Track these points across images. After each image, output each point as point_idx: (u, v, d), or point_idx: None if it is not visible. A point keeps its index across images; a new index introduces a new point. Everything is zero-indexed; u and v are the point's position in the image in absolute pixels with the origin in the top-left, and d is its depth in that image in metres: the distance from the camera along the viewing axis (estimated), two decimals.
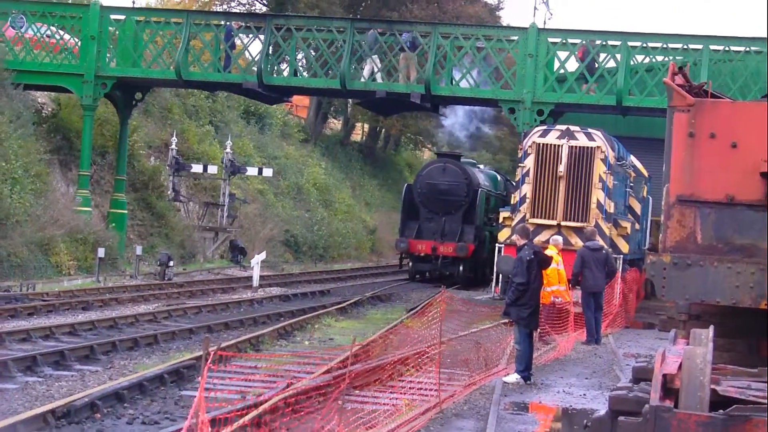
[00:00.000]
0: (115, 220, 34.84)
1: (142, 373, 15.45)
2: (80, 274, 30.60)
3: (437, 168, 38.93)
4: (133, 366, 17.13)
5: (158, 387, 15.06)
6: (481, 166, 44.54)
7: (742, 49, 30.79)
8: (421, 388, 13.96)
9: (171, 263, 32.28)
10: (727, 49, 30.95)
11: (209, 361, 12.42)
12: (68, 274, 30.08)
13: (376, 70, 32.96)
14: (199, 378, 12.31)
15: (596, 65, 31.45)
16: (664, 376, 8.90)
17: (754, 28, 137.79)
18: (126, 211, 35.69)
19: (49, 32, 34.58)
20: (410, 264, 39.13)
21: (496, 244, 27.63)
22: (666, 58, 31.08)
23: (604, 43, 31.56)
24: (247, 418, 11.31)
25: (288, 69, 35.12)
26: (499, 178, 44.16)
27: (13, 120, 31.85)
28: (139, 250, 32.66)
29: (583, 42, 31.55)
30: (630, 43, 31.47)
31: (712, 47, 30.79)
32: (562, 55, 32.47)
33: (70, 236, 31.24)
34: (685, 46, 31.31)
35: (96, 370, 16.64)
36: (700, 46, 30.91)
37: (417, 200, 38.48)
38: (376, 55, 32.87)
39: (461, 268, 37.51)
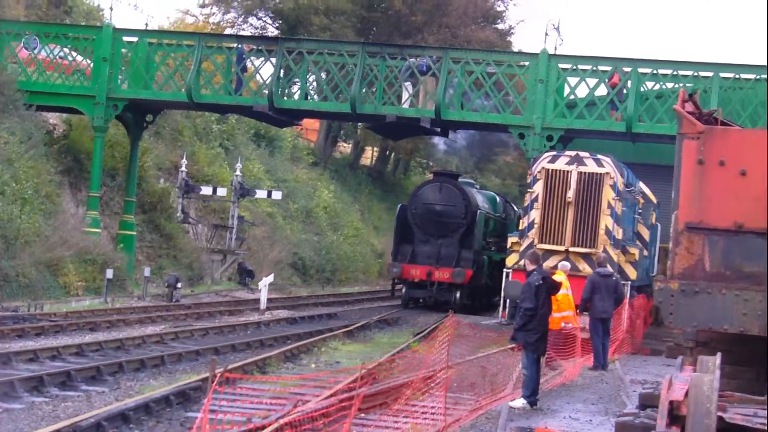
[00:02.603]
0: (123, 242, 34.91)
1: (149, 394, 15.45)
2: (88, 294, 30.63)
3: (433, 188, 36.71)
4: (139, 387, 17.13)
5: (164, 408, 15.06)
6: (478, 187, 42.53)
7: (752, 76, 30.80)
8: (427, 412, 13.92)
9: (179, 285, 32.32)
10: (737, 76, 30.98)
11: (215, 382, 12.43)
12: (76, 295, 30.12)
13: (407, 96, 32.90)
14: (206, 400, 12.29)
15: (624, 91, 31.43)
16: (671, 402, 8.88)
17: (764, 56, 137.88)
18: (135, 233, 35.76)
19: (62, 53, 34.75)
20: (403, 290, 36.49)
21: (504, 270, 27.54)
22: (676, 85, 31.10)
23: (628, 69, 31.48)
24: None
25: (299, 92, 35.22)
26: (498, 199, 42.02)
27: (25, 141, 32.00)
28: (147, 271, 32.71)
29: (615, 69, 31.52)
30: (640, 70, 31.51)
31: (722, 74, 30.82)
32: (572, 80, 32.50)
33: (79, 257, 31.30)
34: (696, 73, 31.35)
35: (102, 390, 16.65)
36: (710, 74, 30.94)
37: (411, 222, 36.28)
38: (409, 82, 32.84)
39: (458, 294, 35.17)
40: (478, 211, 36.49)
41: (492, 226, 38.49)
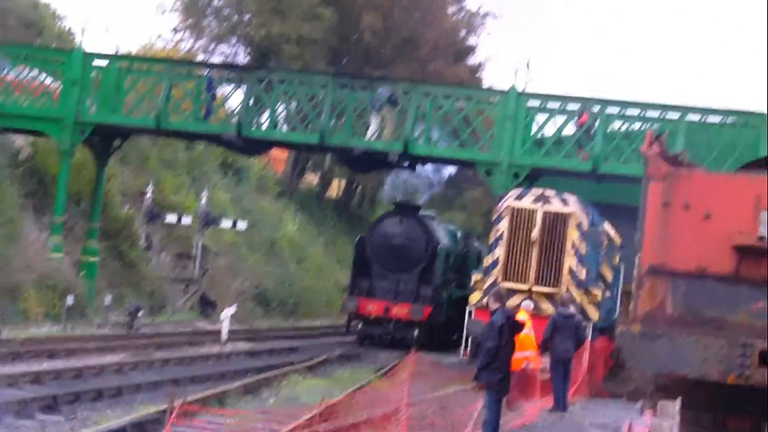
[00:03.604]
0: (86, 268, 34.56)
1: (106, 425, 15.28)
2: (47, 321, 30.26)
3: (393, 220, 35.57)
4: (96, 418, 16.91)
5: None
6: (436, 220, 40.87)
7: (718, 120, 31.05)
8: None
9: (140, 314, 32.02)
10: (703, 119, 31.21)
11: (174, 414, 12.27)
12: (35, 321, 29.74)
13: (376, 128, 32.80)
14: None
15: (592, 131, 31.54)
16: None
17: (730, 100, 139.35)
18: (97, 259, 35.41)
19: (31, 75, 34.50)
20: (359, 326, 34.95)
21: (467, 307, 27.42)
22: (643, 126, 31.25)
23: (597, 108, 31.61)
24: None
25: (268, 122, 35.14)
26: (459, 234, 40.80)
27: None
28: (108, 299, 32.40)
29: (584, 108, 31.67)
30: (608, 110, 31.66)
31: (689, 117, 31.03)
32: (541, 118, 32.60)
33: (40, 282, 30.96)
34: (663, 115, 31.53)
35: (58, 420, 16.43)
36: (677, 116, 31.14)
37: (370, 255, 35.15)
38: (380, 113, 32.72)
39: (416, 332, 33.89)
40: (439, 245, 35.64)
41: (453, 261, 37.50)
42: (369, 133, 32.94)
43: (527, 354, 19.65)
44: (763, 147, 29.96)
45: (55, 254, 33.01)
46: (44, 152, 36.84)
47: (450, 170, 45.76)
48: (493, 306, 15.96)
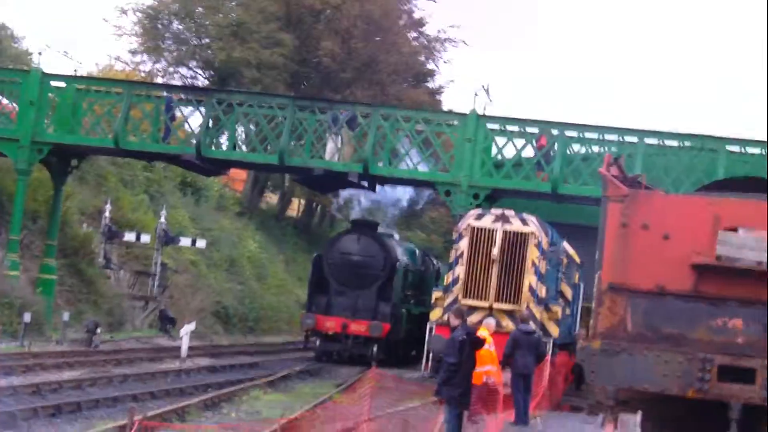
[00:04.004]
0: (43, 285, 34.34)
1: None
2: (4, 338, 29.99)
3: (351, 238, 35.58)
4: None
5: None
6: (397, 237, 41.34)
7: (676, 143, 31.45)
8: None
9: (98, 330, 31.85)
10: (661, 143, 31.61)
11: (134, 430, 12.29)
12: None
13: (334, 149, 32.90)
14: None
15: (551, 154, 31.83)
16: None
17: (687, 124, 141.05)
18: (55, 277, 35.20)
19: None
20: (317, 342, 34.95)
21: (428, 324, 27.55)
22: (602, 149, 31.59)
23: (556, 132, 31.92)
24: None
25: (227, 143, 35.13)
26: (417, 252, 40.87)
27: None
28: (66, 316, 32.20)
29: (542, 132, 31.97)
30: (567, 133, 31.97)
31: (647, 140, 31.41)
32: (500, 141, 32.84)
33: None
34: (621, 139, 31.89)
35: None
36: (635, 139, 31.51)
37: (327, 272, 35.08)
38: (339, 135, 32.82)
39: (375, 348, 33.86)
40: (398, 262, 35.57)
41: (411, 278, 37.45)
42: (327, 154, 33.03)
43: (488, 368, 19.79)
44: (720, 170, 30.46)
45: (11, 272, 32.80)
46: (1, 171, 36.62)
47: (410, 191, 45.85)
48: (454, 322, 16.14)
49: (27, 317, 29.92)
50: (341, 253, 35.22)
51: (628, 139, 31.79)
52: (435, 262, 42.68)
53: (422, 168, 33.13)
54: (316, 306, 34.69)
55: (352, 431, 15.12)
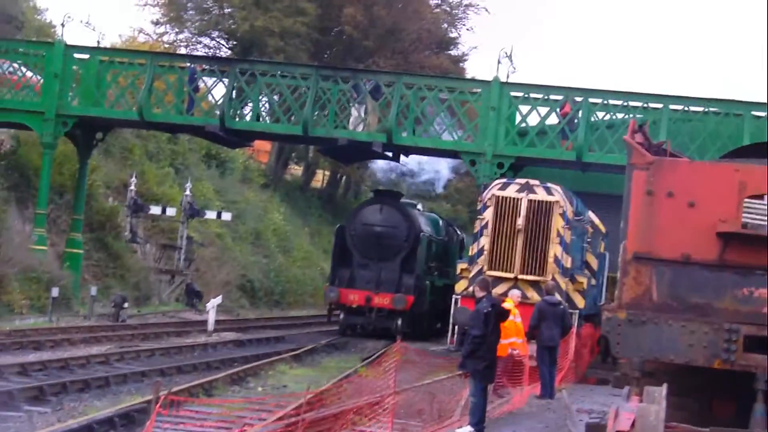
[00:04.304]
0: (70, 260, 34.52)
1: (92, 416, 15.28)
2: (33, 313, 30.24)
3: (374, 208, 34.68)
4: (83, 408, 16.92)
5: (108, 430, 14.91)
6: (421, 208, 40.29)
7: (701, 109, 31.20)
8: None
9: (125, 305, 32.02)
10: (686, 109, 31.37)
11: (159, 405, 12.31)
12: (20, 313, 29.72)
13: (357, 119, 32.79)
14: (148, 422, 12.16)
15: (576, 121, 31.66)
16: None
17: (712, 89, 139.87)
18: (82, 251, 35.38)
19: (11, 69, 34.40)
20: (341, 316, 34.43)
21: (453, 296, 27.49)
22: (626, 116, 31.37)
23: (580, 99, 31.71)
24: None
25: (251, 114, 35.10)
26: (441, 222, 39.99)
27: None
28: (93, 290, 32.38)
29: (566, 98, 31.78)
30: (591, 100, 31.78)
31: (671, 106, 31.17)
32: (524, 109, 32.70)
33: (24, 275, 30.93)
34: (645, 105, 31.68)
35: (45, 411, 16.43)
36: (660, 105, 31.29)
37: (350, 244, 34.30)
38: (364, 104, 32.71)
39: (399, 322, 33.30)
40: (421, 233, 34.86)
41: (435, 249, 36.86)
42: (351, 123, 32.97)
43: (512, 340, 19.76)
44: (746, 135, 30.16)
45: (39, 246, 32.96)
46: (27, 145, 36.79)
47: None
48: (479, 294, 16.05)
49: (55, 292, 30.10)
50: (363, 224, 34.45)
51: (653, 105, 31.57)
52: (459, 232, 42.33)
53: (446, 137, 33.04)
54: (339, 279, 34.16)
55: (377, 405, 15.11)
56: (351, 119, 33.06)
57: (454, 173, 50.16)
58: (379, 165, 46.28)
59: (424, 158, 41.58)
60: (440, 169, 45.54)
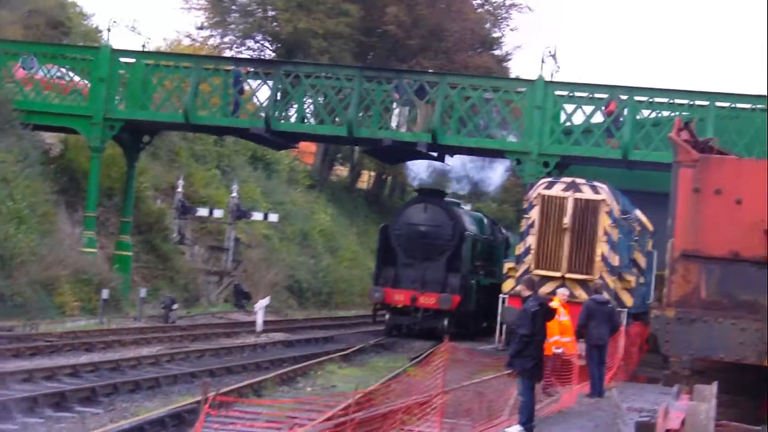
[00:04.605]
0: (119, 262, 34.87)
1: (143, 416, 15.44)
2: (84, 315, 30.57)
3: (418, 207, 34.42)
4: (134, 409, 17.10)
5: (159, 431, 15.05)
6: (467, 207, 40.39)
7: (748, 106, 30.94)
8: None
9: (175, 306, 32.28)
10: (733, 106, 31.12)
11: (207, 405, 12.43)
12: (72, 315, 30.07)
13: (401, 121, 32.80)
14: (197, 423, 12.28)
15: (621, 119, 31.54)
16: (667, 431, 8.89)
17: (760, 87, 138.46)
18: (131, 253, 35.72)
19: (59, 74, 34.81)
20: (386, 317, 34.16)
21: (500, 295, 27.46)
22: (672, 113, 31.20)
23: (625, 97, 31.57)
24: None
25: (296, 115, 35.27)
26: (485, 221, 39.64)
27: (21, 160, 32.05)
28: (143, 292, 32.67)
29: (611, 97, 31.67)
30: (636, 98, 31.64)
31: (718, 104, 30.95)
32: (569, 107, 32.61)
33: (75, 277, 31.28)
34: (692, 102, 31.49)
35: (97, 412, 16.62)
36: (706, 103, 31.11)
37: (394, 244, 34.04)
38: (406, 107, 32.75)
39: (445, 322, 32.96)
40: (466, 232, 34.50)
41: (480, 248, 36.47)
42: (393, 123, 33.01)
43: (555, 339, 19.69)
44: None
45: (89, 249, 33.31)
46: (75, 149, 37.19)
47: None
48: (525, 293, 16.05)
49: (105, 294, 30.42)
50: (408, 223, 34.20)
51: (699, 102, 31.37)
52: (503, 231, 42.12)
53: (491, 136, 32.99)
54: (383, 279, 33.89)
55: (426, 404, 15.14)
56: (392, 119, 33.09)
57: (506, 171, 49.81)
58: (419, 166, 45.94)
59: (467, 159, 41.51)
60: (491, 174, 45.26)
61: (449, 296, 32.87)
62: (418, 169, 46.17)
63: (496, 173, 45.69)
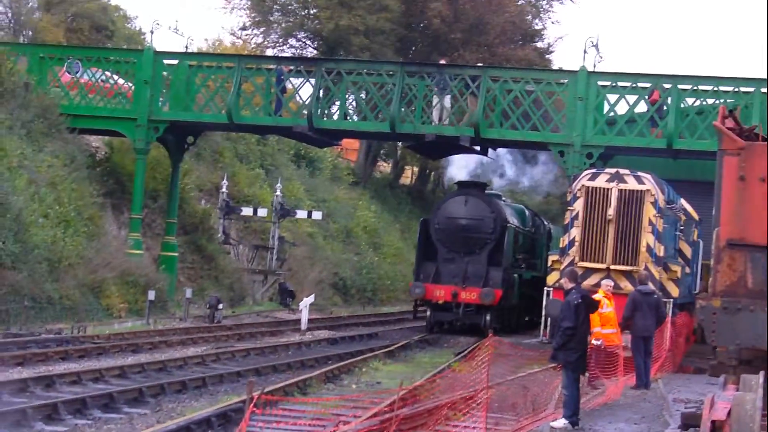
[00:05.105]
0: (165, 263, 35.10)
1: (190, 416, 15.50)
2: (131, 316, 30.82)
3: (458, 200, 33.50)
4: (181, 409, 17.18)
5: (206, 430, 15.11)
6: (505, 199, 39.28)
7: None
8: None
9: (220, 306, 32.43)
10: None
11: (253, 404, 12.47)
12: (119, 317, 30.32)
13: (444, 114, 32.68)
14: (242, 422, 12.31)
15: (665, 108, 31.29)
16: (713, 422, 8.79)
17: None
18: (176, 254, 35.93)
19: (103, 77, 35.07)
20: (428, 312, 33.45)
21: (545, 288, 27.32)
22: (717, 101, 30.88)
23: (669, 85, 31.28)
24: None
25: (338, 112, 35.30)
26: (527, 213, 38.75)
27: (68, 164, 32.37)
28: (189, 292, 32.85)
29: (655, 86, 31.41)
30: (680, 86, 31.34)
31: (763, 90, 30.56)
32: (612, 98, 32.38)
33: (122, 279, 31.54)
34: (736, 89, 31.13)
35: (144, 412, 16.72)
36: (751, 89, 30.72)
37: (435, 238, 33.29)
38: (447, 97, 32.63)
39: (488, 317, 32.25)
40: (507, 225, 33.66)
41: (521, 241, 35.85)
42: (434, 117, 32.89)
43: (596, 330, 19.54)
44: None
45: (135, 250, 33.55)
46: (120, 152, 37.48)
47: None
48: (568, 286, 15.98)
49: (151, 295, 30.59)
50: (448, 217, 33.28)
51: (744, 89, 31.00)
52: (545, 223, 41.61)
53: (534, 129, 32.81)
54: (424, 274, 33.09)
55: (471, 399, 15.10)
56: (434, 113, 32.94)
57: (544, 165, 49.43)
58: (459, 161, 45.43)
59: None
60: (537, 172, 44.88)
61: (491, 291, 32.13)
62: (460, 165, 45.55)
63: (537, 169, 45.38)
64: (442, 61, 38.83)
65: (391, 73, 33.41)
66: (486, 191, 35.69)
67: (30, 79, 33.90)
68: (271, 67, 35.26)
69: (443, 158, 45.70)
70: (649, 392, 20.05)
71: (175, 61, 35.23)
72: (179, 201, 37.03)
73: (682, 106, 31.62)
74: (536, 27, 65.07)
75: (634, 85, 32.04)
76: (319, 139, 35.60)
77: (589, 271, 25.71)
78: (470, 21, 58.68)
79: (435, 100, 32.79)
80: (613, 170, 26.98)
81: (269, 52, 56.30)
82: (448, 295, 32.36)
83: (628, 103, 32.25)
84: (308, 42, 59.94)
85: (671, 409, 17.30)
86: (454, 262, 32.99)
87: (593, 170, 27.60)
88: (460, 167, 42.72)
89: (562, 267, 26.04)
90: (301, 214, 42.93)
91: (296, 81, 34.78)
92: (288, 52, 57.97)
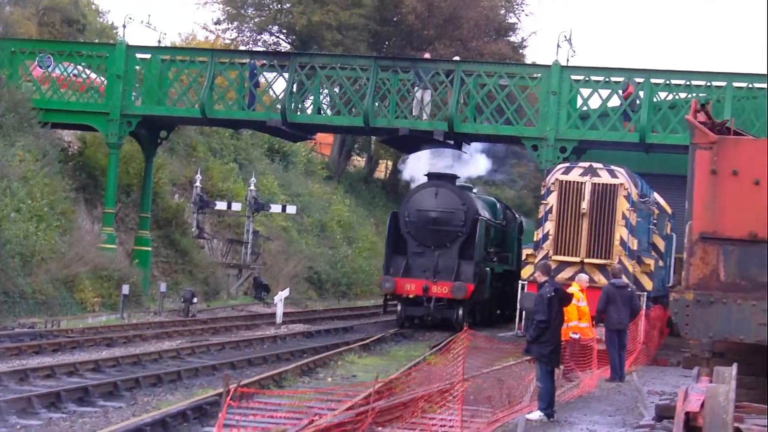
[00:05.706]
0: (139, 257, 35.00)
1: (165, 409, 15.49)
2: (104, 310, 30.74)
3: (428, 192, 32.76)
4: (156, 402, 17.16)
5: (181, 423, 15.11)
6: (476, 190, 38.52)
7: (765, 85, 30.73)
8: (444, 426, 13.92)
9: (195, 300, 32.37)
10: (750, 86, 30.92)
11: (229, 397, 12.47)
12: (93, 311, 30.23)
13: (428, 108, 32.64)
14: (220, 414, 12.33)
15: (638, 102, 31.45)
16: (687, 413, 8.87)
17: None
18: (150, 248, 35.84)
19: (75, 71, 34.89)
20: (399, 307, 32.64)
21: (519, 281, 27.43)
22: (689, 95, 31.05)
23: (641, 80, 31.43)
24: None
25: (312, 107, 35.27)
26: (498, 205, 38.18)
27: (40, 158, 32.19)
28: (163, 287, 32.77)
29: (628, 80, 31.55)
30: (653, 80, 31.51)
31: (735, 84, 30.76)
32: (585, 92, 32.52)
33: (95, 273, 31.41)
34: (708, 83, 31.32)
35: (119, 406, 16.69)
36: (723, 83, 30.91)
37: (404, 231, 32.53)
38: (427, 90, 32.62)
39: (460, 311, 31.69)
40: (479, 217, 32.87)
41: (493, 234, 35.16)
42: (414, 111, 32.93)
43: (573, 324, 19.69)
44: None
45: (108, 245, 33.45)
46: (93, 146, 37.31)
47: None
48: (541, 279, 16.09)
49: (125, 289, 30.52)
50: (418, 209, 32.53)
51: (716, 83, 31.20)
52: (517, 215, 41.46)
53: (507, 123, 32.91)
54: (394, 268, 32.29)
55: (447, 392, 15.17)
56: (414, 106, 32.99)
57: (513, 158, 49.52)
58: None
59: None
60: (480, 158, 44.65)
61: (463, 285, 31.45)
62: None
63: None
64: (427, 56, 38.91)
65: (364, 67, 33.41)
66: (456, 183, 35.11)
67: (2, 73, 33.70)
68: (245, 61, 35.21)
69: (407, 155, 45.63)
70: (623, 385, 20.20)
71: (148, 56, 35.08)
72: (153, 195, 36.90)
73: (654, 100, 31.79)
74: (509, 21, 65.19)
75: (607, 80, 32.17)
76: (292, 133, 35.56)
77: (564, 265, 25.87)
78: (443, 16, 58.73)
79: (419, 93, 32.79)
80: (586, 164, 27.12)
81: (243, 48, 56.17)
82: (419, 290, 31.75)
83: (601, 97, 32.41)
84: (281, 37, 59.87)
85: (645, 401, 17.44)
86: (424, 256, 32.36)
87: (567, 164, 27.74)
88: (418, 166, 42.15)
89: (537, 261, 26.20)
90: (276, 208, 42.88)
91: (270, 75, 34.76)
92: (261, 47, 57.85)
